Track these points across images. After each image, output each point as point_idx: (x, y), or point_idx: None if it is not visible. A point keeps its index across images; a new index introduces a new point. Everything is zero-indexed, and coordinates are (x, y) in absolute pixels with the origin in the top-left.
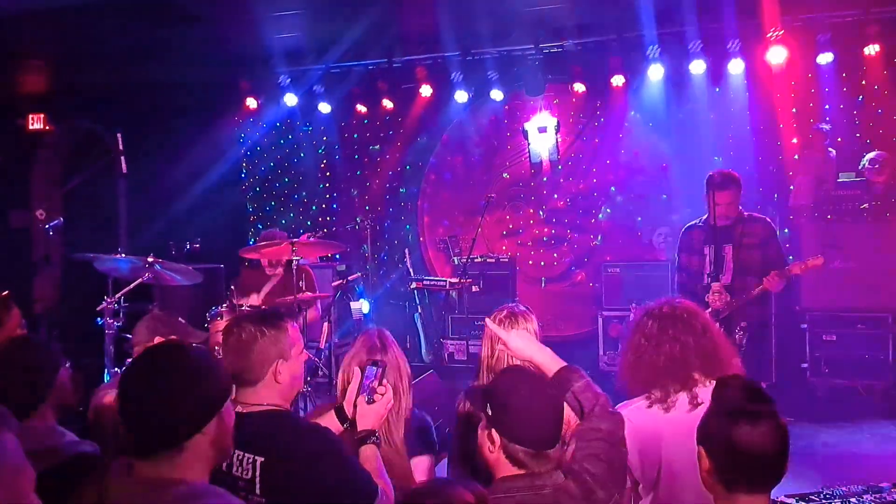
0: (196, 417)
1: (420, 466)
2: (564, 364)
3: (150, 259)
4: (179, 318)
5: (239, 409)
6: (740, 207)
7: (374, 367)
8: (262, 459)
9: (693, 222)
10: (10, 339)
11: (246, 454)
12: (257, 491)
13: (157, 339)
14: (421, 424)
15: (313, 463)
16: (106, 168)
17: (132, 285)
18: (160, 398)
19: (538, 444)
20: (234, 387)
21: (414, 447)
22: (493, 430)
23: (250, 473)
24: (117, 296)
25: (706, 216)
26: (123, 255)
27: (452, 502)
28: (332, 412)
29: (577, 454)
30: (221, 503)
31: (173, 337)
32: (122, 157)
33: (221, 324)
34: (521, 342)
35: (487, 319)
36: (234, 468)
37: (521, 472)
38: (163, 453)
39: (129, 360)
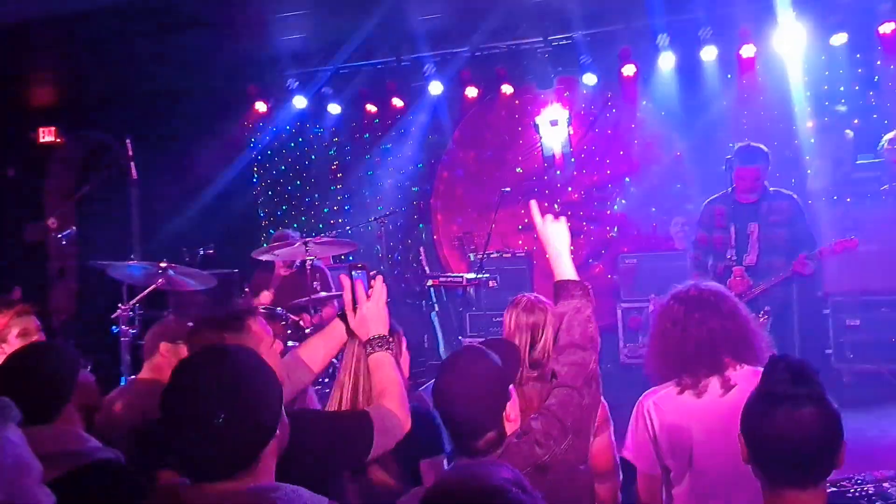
0: (270, 427)
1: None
2: (573, 279)
3: (163, 264)
4: (189, 324)
5: None
6: (766, 182)
7: (359, 271)
8: None
9: (714, 196)
10: (27, 344)
11: None
12: None
13: (162, 346)
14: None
15: (297, 444)
16: (118, 176)
17: (146, 291)
18: (230, 419)
19: (464, 435)
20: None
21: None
22: None
23: None
24: (131, 303)
25: (730, 189)
26: (136, 262)
27: (489, 482)
28: (340, 324)
29: (544, 405)
30: (288, 491)
31: (182, 344)
32: (133, 164)
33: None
34: (554, 233)
35: (532, 202)
36: None
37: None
38: (241, 472)
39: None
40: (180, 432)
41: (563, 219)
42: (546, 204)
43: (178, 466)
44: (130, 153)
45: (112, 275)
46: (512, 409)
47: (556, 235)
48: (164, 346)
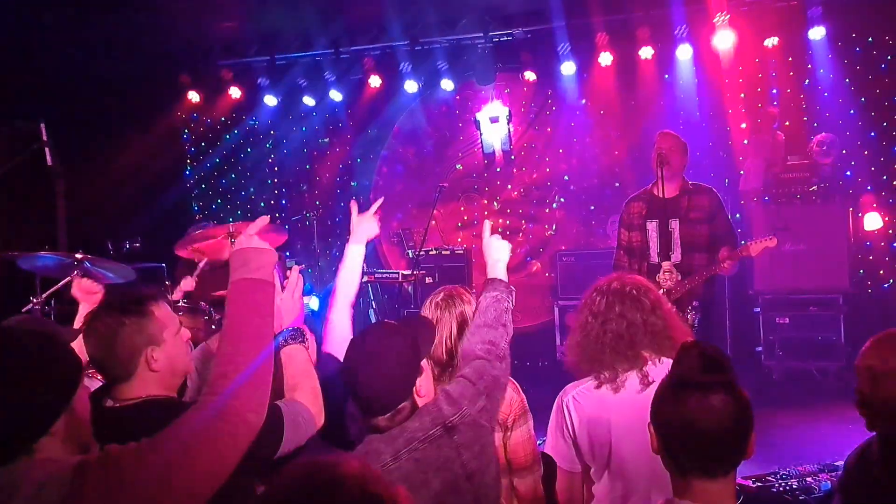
0: (35, 421)
1: None
2: (498, 279)
3: (78, 255)
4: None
5: (109, 403)
6: (684, 177)
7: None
8: None
9: (635, 194)
10: None
11: None
12: None
13: None
14: None
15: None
16: (39, 167)
17: (59, 284)
18: None
19: (374, 412)
20: (83, 376)
21: None
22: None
23: None
24: (44, 296)
25: (650, 185)
26: (48, 252)
27: (336, 472)
28: None
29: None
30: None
31: None
32: (48, 149)
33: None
34: (497, 246)
35: (487, 222)
36: None
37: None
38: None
39: None
40: None
41: (506, 243)
42: (486, 201)
43: None
44: (45, 138)
45: (22, 266)
46: (423, 383)
47: (498, 248)
48: None
